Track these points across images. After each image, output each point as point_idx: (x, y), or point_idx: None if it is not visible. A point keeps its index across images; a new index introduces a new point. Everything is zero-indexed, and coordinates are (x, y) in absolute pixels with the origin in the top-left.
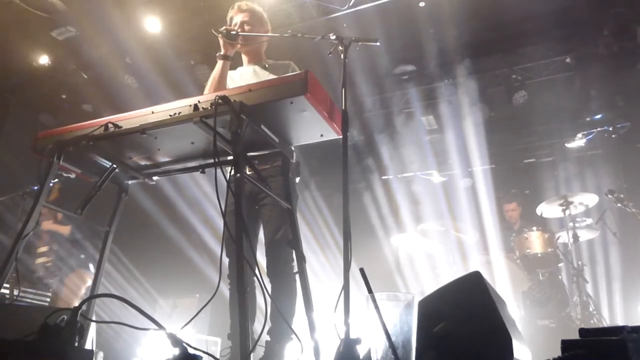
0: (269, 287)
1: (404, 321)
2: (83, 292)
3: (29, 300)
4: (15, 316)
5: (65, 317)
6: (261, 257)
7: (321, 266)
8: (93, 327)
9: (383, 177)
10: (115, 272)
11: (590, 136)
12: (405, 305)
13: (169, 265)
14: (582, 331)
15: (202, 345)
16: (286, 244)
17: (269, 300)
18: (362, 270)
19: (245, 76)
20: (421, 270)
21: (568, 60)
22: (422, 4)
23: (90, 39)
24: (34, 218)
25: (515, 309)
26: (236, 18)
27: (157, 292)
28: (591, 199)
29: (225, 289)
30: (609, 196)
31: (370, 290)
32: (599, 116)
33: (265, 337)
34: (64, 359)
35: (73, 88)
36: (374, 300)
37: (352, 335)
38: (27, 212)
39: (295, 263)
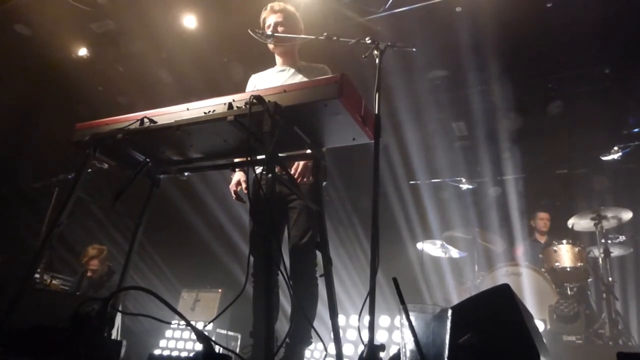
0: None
1: (436, 334)
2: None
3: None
4: (48, 302)
5: (96, 307)
6: (285, 258)
7: (344, 267)
8: (118, 316)
9: (411, 182)
10: (140, 262)
11: (627, 150)
12: (439, 318)
13: (194, 258)
14: (621, 356)
15: (222, 339)
16: (311, 248)
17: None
18: (395, 280)
19: (277, 77)
20: (446, 277)
21: (607, 71)
22: (458, 9)
23: (128, 33)
24: (68, 208)
25: (540, 323)
26: (269, 19)
27: (181, 285)
28: (625, 214)
29: (249, 286)
30: None
31: (402, 302)
32: (636, 130)
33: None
34: (95, 349)
35: (109, 80)
36: (406, 312)
37: (377, 341)
38: (60, 200)
39: (319, 266)
